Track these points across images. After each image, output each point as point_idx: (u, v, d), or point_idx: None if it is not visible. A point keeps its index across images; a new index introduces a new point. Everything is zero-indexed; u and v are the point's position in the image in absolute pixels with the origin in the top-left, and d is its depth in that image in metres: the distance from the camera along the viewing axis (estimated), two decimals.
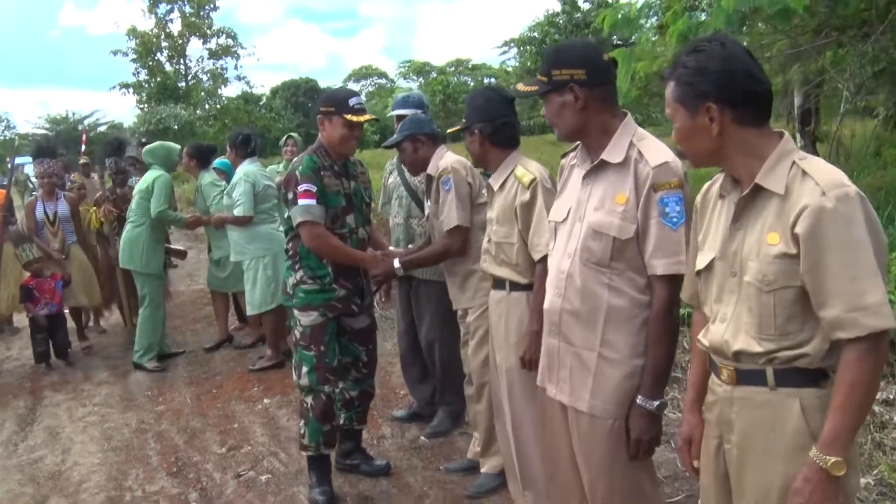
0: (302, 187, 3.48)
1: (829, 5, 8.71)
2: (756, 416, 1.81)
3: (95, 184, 9.65)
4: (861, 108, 14.71)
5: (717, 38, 1.84)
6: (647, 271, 2.26)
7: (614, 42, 15.85)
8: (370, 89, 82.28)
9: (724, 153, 1.84)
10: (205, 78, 43.34)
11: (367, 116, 3.61)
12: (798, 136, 13.57)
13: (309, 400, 3.66)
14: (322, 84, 60.71)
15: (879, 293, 1.62)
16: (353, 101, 3.57)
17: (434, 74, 74.02)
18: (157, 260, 6.35)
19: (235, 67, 46.99)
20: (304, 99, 55.87)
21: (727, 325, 1.84)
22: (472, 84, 66.45)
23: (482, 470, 3.77)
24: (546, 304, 2.48)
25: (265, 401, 5.25)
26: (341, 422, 3.89)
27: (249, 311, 6.25)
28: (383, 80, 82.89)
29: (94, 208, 7.08)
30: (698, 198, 2.03)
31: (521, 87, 2.50)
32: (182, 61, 42.44)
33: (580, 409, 2.35)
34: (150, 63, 40.50)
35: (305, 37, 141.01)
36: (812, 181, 1.69)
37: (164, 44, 41.48)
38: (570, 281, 2.35)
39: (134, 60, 40.00)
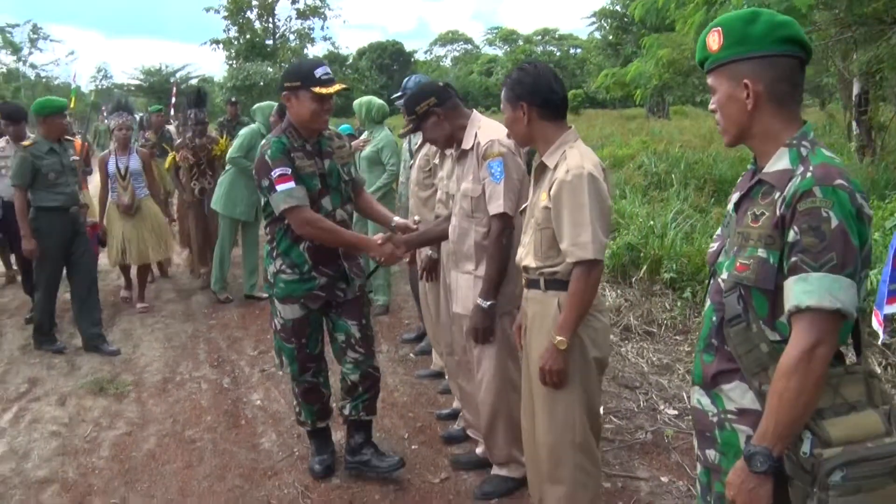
0: (276, 172, 3.21)
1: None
2: (536, 308, 2.75)
3: (172, 133, 10.26)
4: None
5: (534, 62, 2.82)
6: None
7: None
8: (456, 54, 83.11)
9: (530, 137, 2.81)
10: (292, 37, 44.71)
11: (336, 87, 3.26)
12: (854, 124, 13.95)
13: (294, 387, 3.68)
14: (408, 47, 61.76)
15: (589, 236, 2.55)
16: (319, 72, 3.22)
17: (520, 43, 74.34)
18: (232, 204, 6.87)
19: (322, 28, 48.34)
20: (389, 61, 57.05)
21: (525, 250, 2.83)
22: (558, 54, 66.67)
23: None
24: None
25: (262, 295, 6.48)
26: (347, 412, 3.63)
27: None
28: (469, 46, 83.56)
29: (174, 153, 7.50)
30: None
31: (402, 131, 4.14)
32: (271, 20, 43.82)
33: (457, 311, 3.47)
34: (241, 21, 42.01)
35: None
36: (566, 163, 2.65)
37: (254, 2, 42.84)
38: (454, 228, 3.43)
39: (225, 17, 41.58)
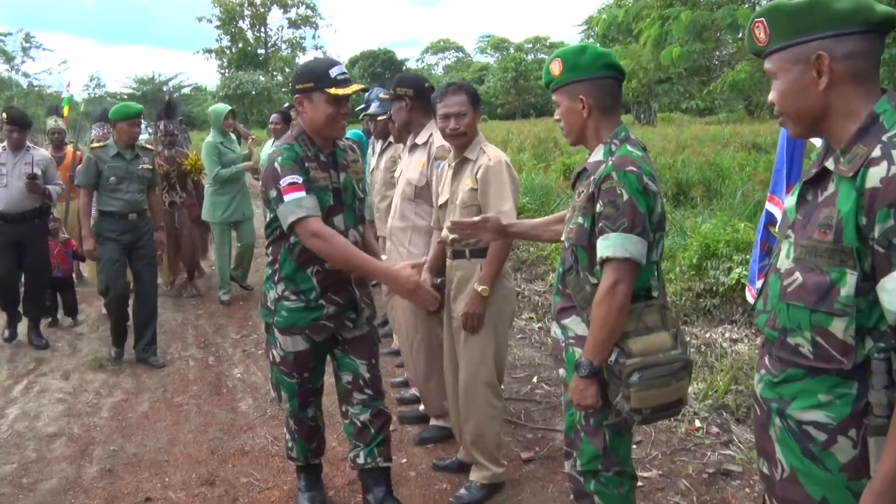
0: (286, 180, 2.86)
1: None
2: (462, 273, 3.42)
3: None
4: None
5: (458, 83, 3.51)
6: None
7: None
8: (448, 62, 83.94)
9: (471, 138, 3.47)
10: (283, 46, 45.41)
11: (354, 87, 2.97)
12: None
13: (292, 423, 3.34)
14: (399, 56, 62.44)
15: (510, 205, 3.25)
16: (334, 72, 2.94)
17: (511, 51, 75.20)
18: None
19: (314, 37, 48.95)
20: (380, 69, 57.79)
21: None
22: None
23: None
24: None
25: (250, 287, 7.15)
26: (361, 460, 3.21)
27: None
28: (460, 54, 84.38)
29: None
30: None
31: (382, 95, 4.35)
32: (263, 29, 44.57)
33: None
34: (233, 30, 42.76)
35: (386, 8, 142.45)
36: (485, 155, 3.35)
37: (246, 12, 43.55)
38: (395, 207, 4.09)
39: (217, 27, 42.30)
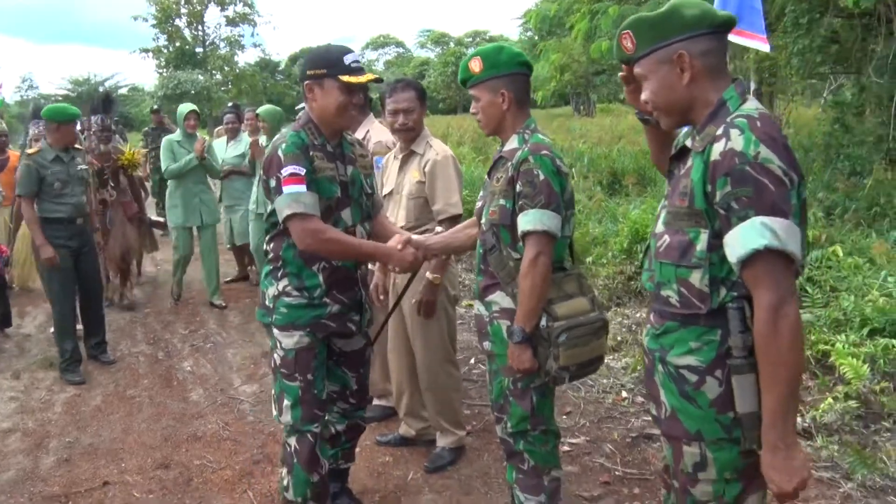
0: (287, 170, 2.72)
1: None
2: None
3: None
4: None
5: (406, 79, 3.75)
6: None
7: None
8: (388, 58, 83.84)
9: (418, 132, 3.71)
10: (222, 45, 44.97)
11: (368, 76, 2.87)
12: None
13: (293, 442, 2.99)
14: None
15: (457, 197, 3.51)
16: (349, 59, 2.81)
17: (452, 45, 75.51)
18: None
19: (252, 35, 48.51)
20: None
21: (394, 218, 3.73)
22: None
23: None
24: None
25: (221, 304, 7.20)
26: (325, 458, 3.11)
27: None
28: (401, 49, 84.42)
29: None
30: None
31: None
32: (200, 28, 44.07)
33: None
34: (170, 28, 42.18)
35: (325, 4, 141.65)
36: (433, 149, 3.60)
37: (183, 10, 43.00)
38: None
39: (154, 26, 41.71)
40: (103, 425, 4.52)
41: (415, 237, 2.97)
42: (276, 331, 2.94)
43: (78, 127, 7.61)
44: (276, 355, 2.98)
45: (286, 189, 2.71)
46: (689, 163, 1.92)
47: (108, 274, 6.99)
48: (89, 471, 3.93)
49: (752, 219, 1.73)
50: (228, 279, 8.11)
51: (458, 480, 3.70)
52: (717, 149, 1.79)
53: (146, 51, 41.90)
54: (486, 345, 2.88)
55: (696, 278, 1.87)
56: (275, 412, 3.04)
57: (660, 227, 1.99)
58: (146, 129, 11.54)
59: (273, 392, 3.06)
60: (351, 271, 2.99)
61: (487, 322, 2.83)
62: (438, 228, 3.14)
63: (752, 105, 1.87)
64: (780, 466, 1.76)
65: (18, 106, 40.77)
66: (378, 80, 3.07)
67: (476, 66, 2.77)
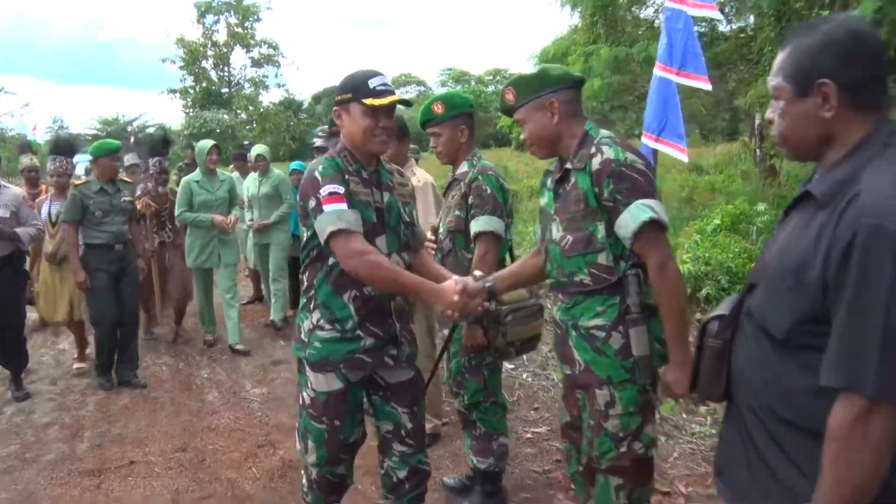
0: (326, 189, 2.65)
1: None
2: None
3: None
4: None
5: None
6: None
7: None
8: (410, 96, 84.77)
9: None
10: (246, 85, 46.21)
11: (391, 98, 2.74)
12: (758, 151, 15.84)
13: (313, 473, 2.95)
14: None
15: (434, 219, 4.03)
16: (374, 82, 2.73)
17: (472, 83, 76.83)
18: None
19: (276, 75, 49.78)
20: None
21: None
22: None
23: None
24: None
25: (243, 349, 7.74)
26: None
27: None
28: (422, 88, 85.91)
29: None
30: None
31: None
32: (226, 69, 45.36)
33: None
34: (196, 70, 43.48)
35: (348, 44, 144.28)
36: (416, 176, 4.23)
37: (210, 52, 44.32)
38: None
39: (181, 67, 43.01)
40: (130, 420, 5.17)
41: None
42: (308, 370, 2.85)
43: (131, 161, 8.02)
44: (305, 394, 2.89)
45: (327, 207, 2.62)
46: (573, 179, 2.54)
47: (150, 307, 7.33)
48: (118, 453, 4.57)
49: (634, 202, 2.38)
50: (244, 301, 8.58)
51: (431, 459, 4.26)
52: (596, 161, 2.44)
53: (173, 91, 43.09)
54: (445, 332, 3.49)
55: (603, 258, 2.48)
56: (299, 447, 2.97)
57: (558, 234, 2.60)
58: (180, 164, 11.65)
59: (298, 426, 2.97)
60: (384, 302, 2.83)
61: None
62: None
63: (605, 131, 2.56)
64: (679, 376, 2.38)
65: (48, 145, 41.45)
66: (405, 103, 2.91)
67: (439, 108, 3.43)
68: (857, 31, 1.59)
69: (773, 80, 1.67)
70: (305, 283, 2.87)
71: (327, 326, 2.79)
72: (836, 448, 1.43)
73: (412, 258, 2.97)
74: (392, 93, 2.75)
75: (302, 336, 2.86)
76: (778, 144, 1.73)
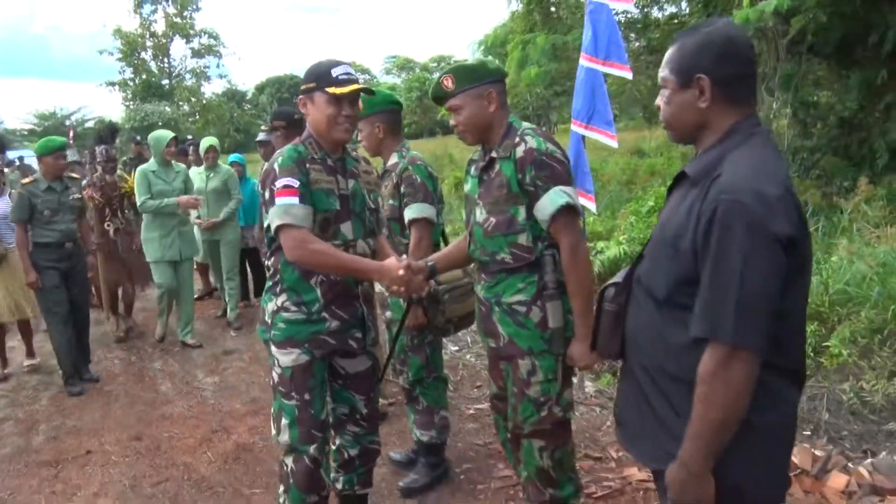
0: (280, 182, 2.75)
1: None
2: None
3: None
4: None
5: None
6: None
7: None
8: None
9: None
10: (188, 76, 45.60)
11: (355, 86, 2.81)
12: None
13: (289, 462, 2.97)
14: None
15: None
16: (337, 71, 2.81)
17: (417, 70, 76.78)
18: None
19: (218, 66, 49.15)
20: (288, 95, 58.15)
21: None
22: None
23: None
24: None
25: (195, 343, 7.91)
26: (340, 486, 3.25)
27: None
28: (367, 76, 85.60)
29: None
30: None
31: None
32: (166, 60, 44.71)
33: None
34: (136, 62, 42.77)
35: (290, 34, 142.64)
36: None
37: (148, 43, 43.60)
38: None
39: (120, 59, 42.25)
40: (84, 412, 5.28)
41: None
42: (274, 348, 2.92)
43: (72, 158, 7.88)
44: (274, 373, 2.96)
45: (278, 200, 2.73)
46: (498, 167, 2.78)
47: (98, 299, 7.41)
48: (74, 444, 4.70)
49: (553, 188, 2.65)
50: (196, 296, 8.35)
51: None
52: (520, 150, 2.70)
53: (112, 84, 42.38)
54: (388, 314, 3.72)
55: (523, 238, 2.74)
56: (273, 431, 3.01)
57: (481, 216, 2.84)
58: (125, 158, 10.97)
59: (272, 410, 3.03)
60: (351, 287, 2.96)
61: (387, 296, 3.66)
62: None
63: (527, 123, 2.81)
64: (583, 349, 2.66)
65: None
66: (368, 91, 3.06)
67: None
68: (731, 36, 1.83)
69: (662, 72, 1.92)
70: (271, 269, 2.94)
71: (293, 308, 2.89)
72: (703, 390, 1.69)
73: (375, 243, 3.10)
74: (355, 81, 2.84)
75: (266, 318, 2.96)
76: (663, 128, 1.99)
